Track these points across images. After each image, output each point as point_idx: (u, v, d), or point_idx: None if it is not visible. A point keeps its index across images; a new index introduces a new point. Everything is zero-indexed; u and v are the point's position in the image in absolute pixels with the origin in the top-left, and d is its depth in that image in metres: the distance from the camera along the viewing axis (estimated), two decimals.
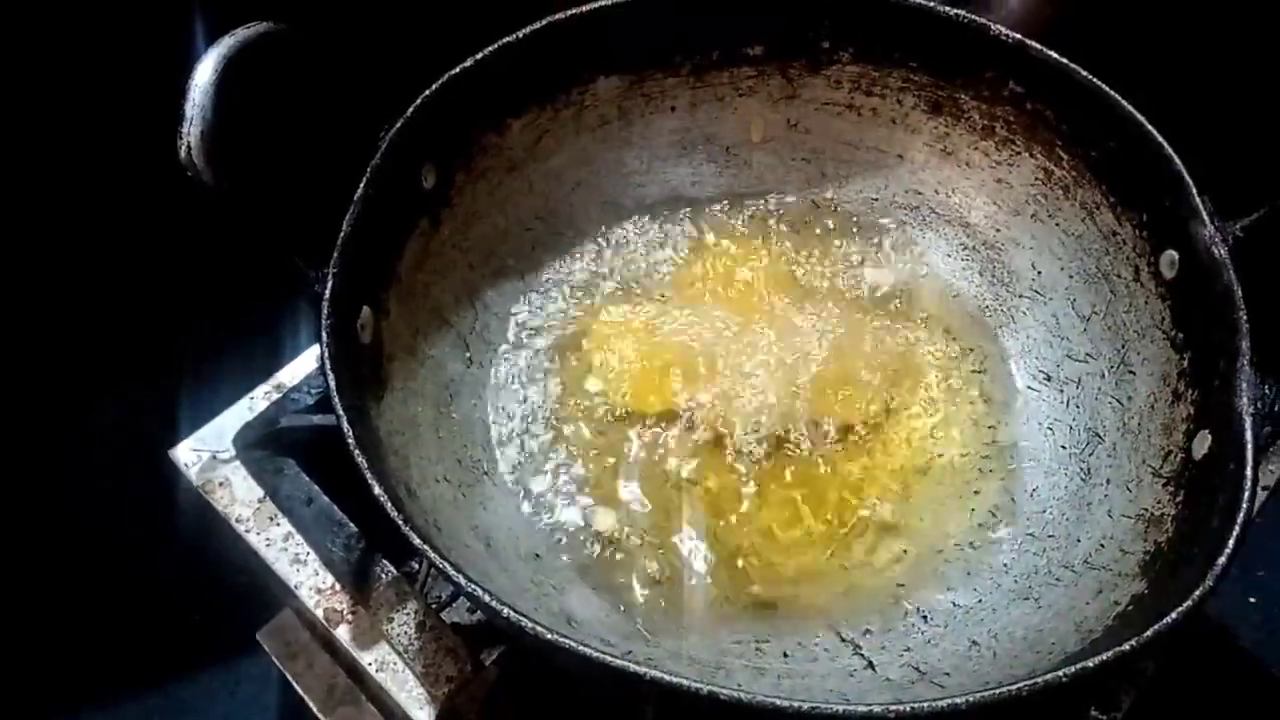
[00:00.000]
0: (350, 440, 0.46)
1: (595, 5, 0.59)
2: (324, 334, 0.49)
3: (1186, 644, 0.52)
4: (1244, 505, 0.45)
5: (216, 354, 0.85)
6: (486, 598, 0.43)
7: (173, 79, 0.47)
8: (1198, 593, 0.43)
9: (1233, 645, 0.79)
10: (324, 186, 0.53)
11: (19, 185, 0.89)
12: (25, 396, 0.88)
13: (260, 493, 0.60)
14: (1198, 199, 0.54)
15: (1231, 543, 0.44)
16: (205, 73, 0.46)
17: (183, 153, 0.45)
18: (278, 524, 0.60)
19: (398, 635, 0.56)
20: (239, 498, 0.60)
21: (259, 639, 0.69)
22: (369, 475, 0.45)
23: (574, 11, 0.59)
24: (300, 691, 0.66)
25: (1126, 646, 0.42)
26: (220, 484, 0.61)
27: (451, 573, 0.43)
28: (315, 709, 0.63)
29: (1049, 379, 0.62)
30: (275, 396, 0.64)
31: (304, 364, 0.66)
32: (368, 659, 0.56)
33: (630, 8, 0.60)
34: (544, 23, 0.59)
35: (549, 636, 0.42)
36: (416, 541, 0.44)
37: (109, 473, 0.83)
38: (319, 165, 0.52)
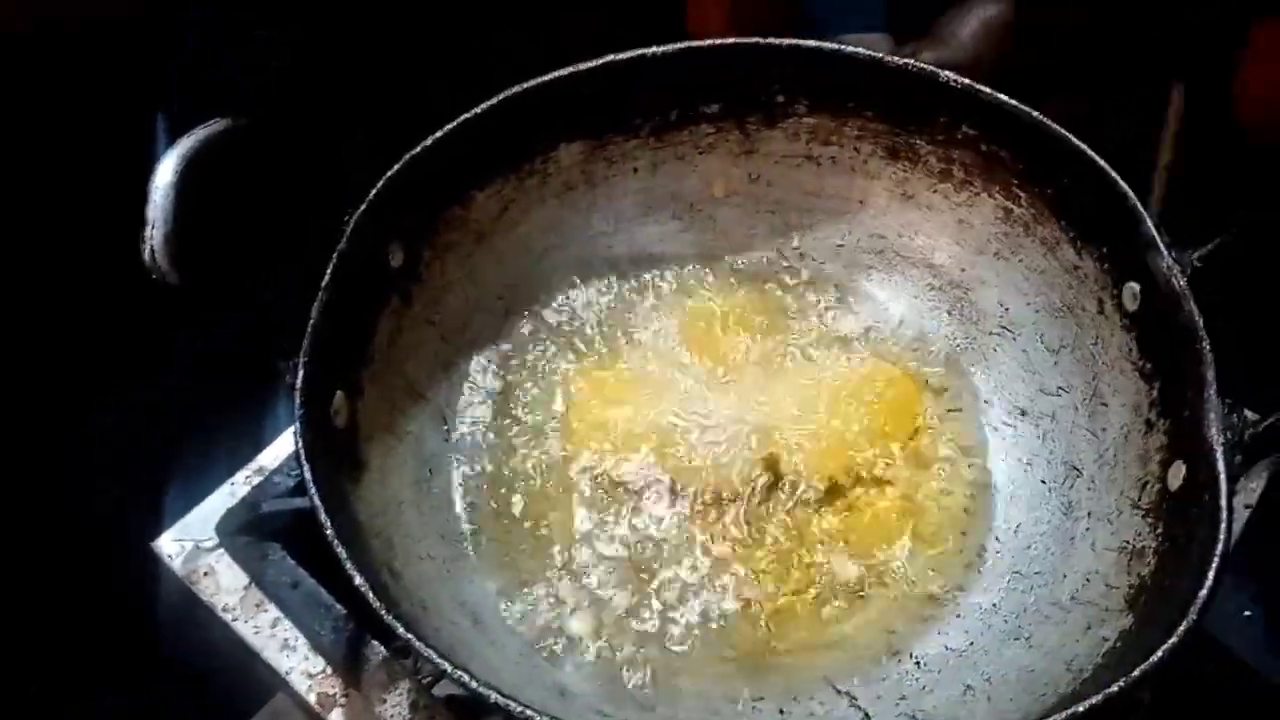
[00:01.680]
0: (329, 531, 0.46)
1: (550, 76, 0.60)
2: (297, 424, 0.49)
3: (1184, 661, 0.52)
4: (1221, 537, 0.45)
5: (195, 439, 0.85)
6: (474, 683, 0.42)
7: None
8: (1182, 628, 0.44)
9: (1231, 660, 0.79)
10: (291, 275, 0.54)
11: None
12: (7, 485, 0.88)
13: (246, 580, 0.60)
14: (1154, 231, 0.54)
15: (1211, 576, 0.45)
16: (165, 174, 0.47)
17: (146, 256, 0.45)
18: (265, 610, 0.59)
19: (391, 716, 0.55)
20: (224, 586, 0.60)
21: None
22: (349, 565, 0.45)
23: (530, 83, 0.60)
24: None
25: (1115, 688, 0.42)
26: (205, 573, 0.61)
27: (437, 659, 0.43)
28: None
29: (1024, 414, 0.63)
30: (256, 480, 0.64)
31: (284, 445, 0.66)
32: None
33: (585, 76, 0.61)
34: (501, 96, 0.59)
35: (538, 718, 0.42)
36: (400, 630, 0.44)
37: (94, 567, 0.82)
38: (285, 254, 0.53)
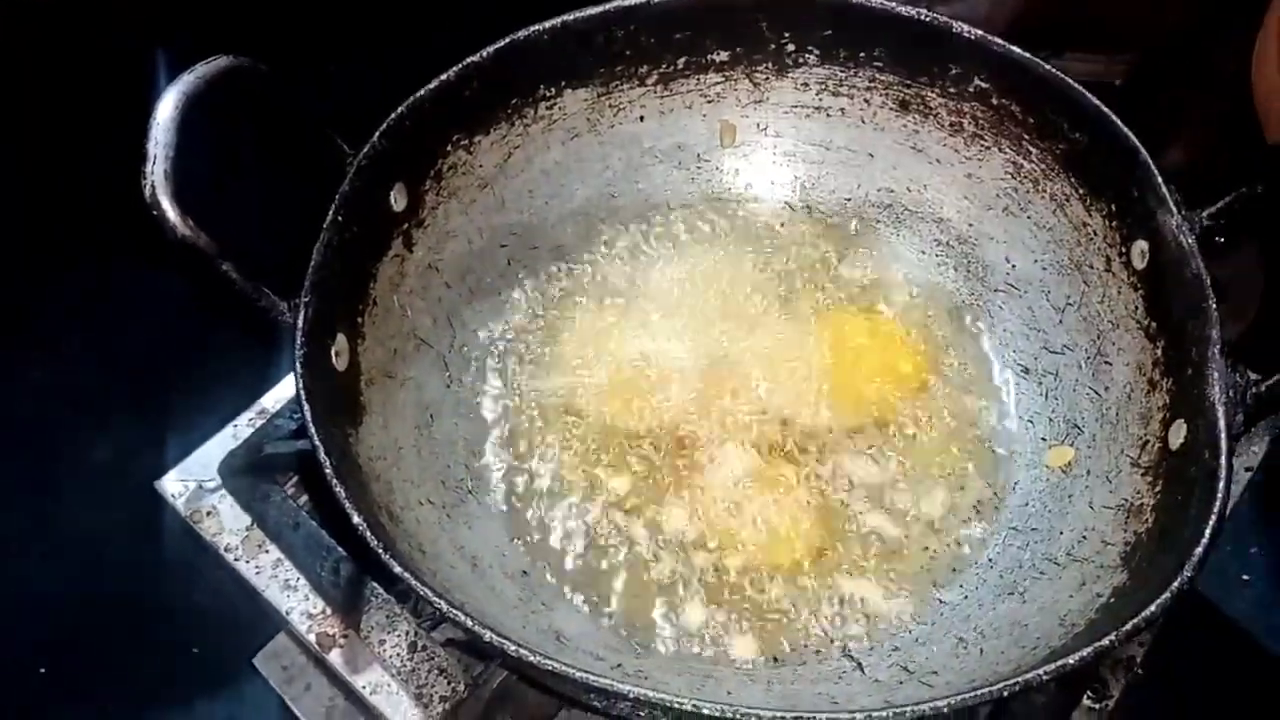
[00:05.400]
0: (328, 471, 0.46)
1: (556, 21, 0.59)
2: (297, 365, 0.49)
3: (1178, 624, 0.53)
4: (1219, 496, 0.45)
5: (199, 379, 0.86)
6: (469, 622, 0.43)
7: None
8: (1175, 585, 0.44)
9: (1226, 623, 0.79)
10: (294, 216, 0.53)
11: None
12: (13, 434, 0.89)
13: (248, 520, 0.61)
14: (1164, 188, 0.54)
15: (1208, 534, 0.45)
16: (166, 110, 0.46)
17: (147, 192, 0.45)
18: (266, 551, 0.60)
19: (390, 657, 0.56)
20: (227, 526, 0.61)
21: (255, 664, 0.69)
22: (348, 506, 0.45)
23: (536, 28, 0.59)
24: (299, 715, 0.67)
25: (1105, 642, 0.43)
26: (208, 513, 0.61)
27: (433, 599, 0.43)
28: None
29: (1027, 371, 0.62)
30: (259, 423, 0.65)
31: (286, 387, 0.66)
32: (361, 682, 0.56)
33: (591, 21, 0.60)
34: (505, 41, 0.59)
35: (532, 659, 0.42)
36: (398, 570, 0.44)
37: (99, 506, 0.83)
38: (288, 195, 0.52)
